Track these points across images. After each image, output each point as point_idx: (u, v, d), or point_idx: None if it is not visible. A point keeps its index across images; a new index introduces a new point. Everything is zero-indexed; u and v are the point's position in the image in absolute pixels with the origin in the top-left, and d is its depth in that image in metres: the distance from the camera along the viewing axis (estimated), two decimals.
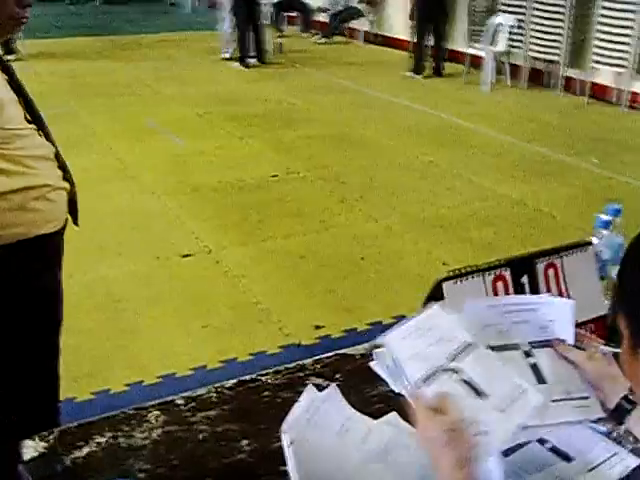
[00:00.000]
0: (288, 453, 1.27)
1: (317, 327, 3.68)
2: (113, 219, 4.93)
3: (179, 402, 1.46)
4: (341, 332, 3.64)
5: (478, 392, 1.25)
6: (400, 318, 3.88)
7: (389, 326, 4.10)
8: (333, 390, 1.38)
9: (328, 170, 6.02)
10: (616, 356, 1.29)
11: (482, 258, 1.61)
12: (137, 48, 11.66)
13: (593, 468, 1.31)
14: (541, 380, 1.31)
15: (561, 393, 1.31)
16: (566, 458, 1.33)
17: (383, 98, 8.66)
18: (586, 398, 1.32)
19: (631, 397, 1.26)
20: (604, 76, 8.59)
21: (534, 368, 1.33)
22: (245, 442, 1.36)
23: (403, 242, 4.74)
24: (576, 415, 1.30)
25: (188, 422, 1.41)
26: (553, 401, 1.29)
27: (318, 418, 1.32)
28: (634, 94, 8.16)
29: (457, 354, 1.32)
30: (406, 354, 1.35)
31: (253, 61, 10.20)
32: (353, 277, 4.21)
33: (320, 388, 1.42)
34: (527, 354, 1.35)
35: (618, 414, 1.27)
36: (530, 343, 1.37)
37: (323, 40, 12.39)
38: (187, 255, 4.40)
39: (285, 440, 1.29)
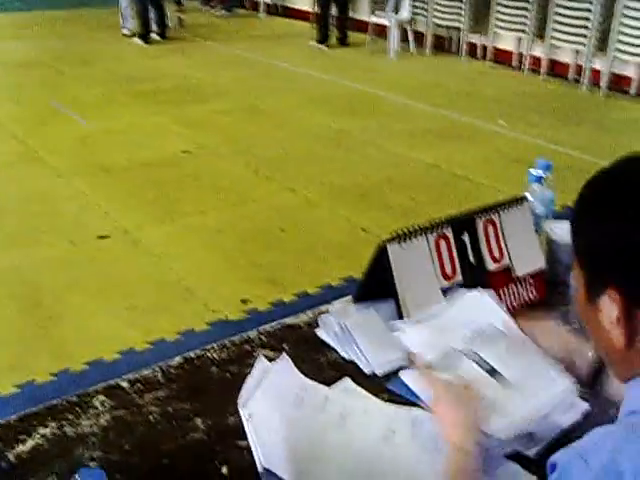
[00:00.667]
0: (248, 427, 1.24)
1: (243, 301, 3.63)
2: (20, 205, 4.74)
3: (124, 385, 1.41)
4: (268, 304, 3.60)
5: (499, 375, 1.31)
6: (325, 287, 3.90)
7: (315, 296, 4.10)
8: (285, 360, 1.35)
9: (241, 143, 5.95)
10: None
11: (401, 223, 1.61)
12: (29, 26, 11.15)
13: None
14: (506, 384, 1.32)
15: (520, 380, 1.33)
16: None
17: (290, 69, 8.60)
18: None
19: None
20: (506, 41, 8.76)
21: (492, 373, 1.34)
22: (199, 420, 1.32)
23: (322, 211, 4.73)
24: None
25: (136, 405, 1.35)
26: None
27: (272, 390, 1.30)
28: (534, 58, 8.34)
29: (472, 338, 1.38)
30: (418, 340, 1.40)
31: (155, 37, 9.95)
32: (275, 249, 4.18)
33: (270, 359, 1.40)
34: (478, 363, 1.36)
35: (594, 381, 1.29)
36: (475, 352, 1.38)
37: (224, 13, 12.19)
38: (103, 237, 4.27)
39: (243, 414, 1.26)
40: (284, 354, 1.38)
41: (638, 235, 0.81)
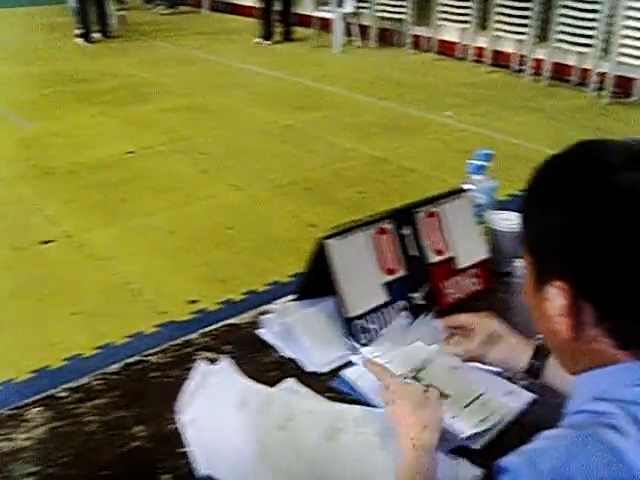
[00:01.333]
0: (186, 433, 1.22)
1: (192, 302, 3.59)
2: None
3: (62, 395, 1.36)
4: (216, 304, 3.56)
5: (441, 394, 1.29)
6: (274, 285, 3.86)
7: (264, 294, 4.05)
8: (226, 363, 1.33)
9: (187, 142, 5.88)
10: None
11: (349, 217, 1.59)
12: None
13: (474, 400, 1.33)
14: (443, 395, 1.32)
15: (468, 397, 1.33)
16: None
17: (236, 66, 8.53)
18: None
19: (539, 344, 1.28)
20: (450, 32, 8.81)
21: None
22: (139, 428, 1.28)
23: (270, 208, 4.70)
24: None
25: (74, 415, 1.31)
26: (465, 406, 1.31)
27: (213, 393, 1.27)
28: (478, 49, 8.41)
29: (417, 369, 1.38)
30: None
31: (97, 36, 9.78)
32: (223, 248, 4.13)
33: (212, 361, 1.37)
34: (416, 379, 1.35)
35: (533, 373, 1.29)
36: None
37: (168, 11, 12.05)
38: (47, 242, 4.17)
39: (182, 420, 1.24)
40: (226, 357, 1.36)
41: (585, 225, 0.79)
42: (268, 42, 9.63)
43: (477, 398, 1.32)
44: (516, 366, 1.31)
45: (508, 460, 0.81)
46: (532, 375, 1.29)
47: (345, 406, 1.31)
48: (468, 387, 1.34)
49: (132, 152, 5.63)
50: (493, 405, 1.30)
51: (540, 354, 1.28)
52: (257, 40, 9.68)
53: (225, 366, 1.32)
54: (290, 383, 1.38)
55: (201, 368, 1.33)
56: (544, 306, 0.87)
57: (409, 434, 1.13)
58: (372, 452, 1.20)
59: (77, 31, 9.70)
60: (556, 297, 0.84)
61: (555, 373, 1.24)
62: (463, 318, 1.38)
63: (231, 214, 4.56)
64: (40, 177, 5.14)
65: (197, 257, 4.02)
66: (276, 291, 3.54)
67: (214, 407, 1.26)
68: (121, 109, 6.78)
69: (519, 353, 1.30)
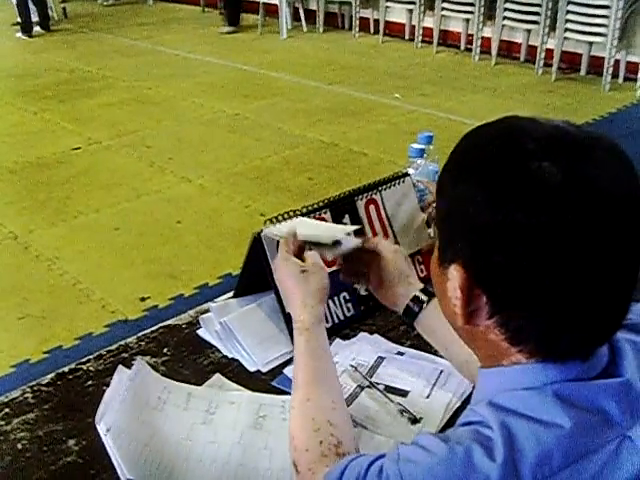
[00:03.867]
0: (107, 442, 1.17)
1: (142, 299, 3.52)
2: None
3: None
4: (168, 300, 3.50)
5: (401, 393, 1.30)
6: (226, 277, 3.78)
7: (216, 287, 3.97)
8: (140, 365, 1.28)
9: (133, 136, 5.76)
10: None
11: (300, 205, 1.54)
12: None
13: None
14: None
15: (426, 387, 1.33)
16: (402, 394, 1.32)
17: (182, 56, 8.39)
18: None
19: (423, 297, 1.23)
20: (397, 14, 8.77)
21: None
22: (72, 442, 1.22)
23: (219, 199, 4.63)
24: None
25: (3, 432, 1.25)
26: (427, 397, 1.30)
27: (131, 398, 1.22)
28: (426, 29, 8.38)
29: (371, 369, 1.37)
30: None
31: (37, 29, 9.54)
32: (173, 242, 4.06)
33: (151, 366, 1.32)
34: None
35: (409, 315, 1.24)
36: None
37: (111, 1, 11.81)
38: None
39: (100, 430, 1.19)
40: (139, 358, 1.31)
41: (491, 210, 0.74)
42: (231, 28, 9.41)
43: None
44: (396, 301, 1.26)
45: (385, 462, 0.80)
46: (408, 319, 1.25)
47: (270, 395, 1.29)
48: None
49: (78, 148, 5.50)
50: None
51: (421, 298, 1.23)
52: (225, 29, 9.47)
53: (140, 369, 1.27)
54: (215, 378, 1.35)
55: (119, 374, 1.28)
56: (446, 286, 0.83)
57: (294, 317, 1.14)
58: None
59: (18, 25, 9.46)
60: (454, 278, 0.80)
61: (431, 325, 1.21)
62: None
63: (179, 207, 4.48)
64: None
65: (146, 253, 3.94)
66: (228, 284, 3.47)
67: (132, 412, 1.21)
68: (65, 104, 6.62)
69: (405, 287, 1.25)
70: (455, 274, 0.80)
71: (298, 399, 1.04)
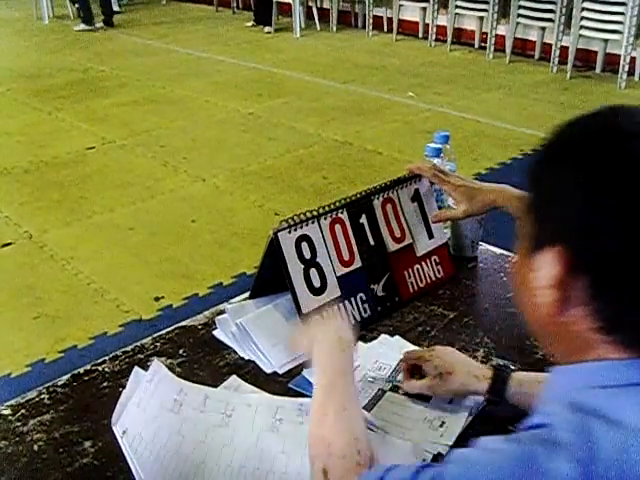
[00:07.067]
0: (123, 445, 1.16)
1: (157, 298, 3.51)
2: None
3: (5, 412, 1.29)
4: (182, 300, 3.49)
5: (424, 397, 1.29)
6: (240, 277, 3.77)
7: (230, 287, 3.96)
8: (157, 367, 1.27)
9: (147, 135, 5.77)
10: None
11: (315, 204, 1.53)
12: None
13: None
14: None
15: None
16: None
17: (195, 55, 8.40)
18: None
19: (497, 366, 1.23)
20: (411, 12, 8.75)
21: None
22: (88, 444, 1.21)
23: (233, 199, 4.62)
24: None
25: (19, 433, 1.24)
26: (450, 402, 1.28)
27: (147, 400, 1.21)
28: (440, 27, 8.35)
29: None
30: None
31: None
32: (187, 242, 4.06)
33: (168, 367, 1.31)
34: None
35: (495, 397, 1.23)
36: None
37: (124, 1, 11.82)
38: (7, 244, 4.07)
39: (117, 432, 1.18)
40: (156, 360, 1.30)
41: (595, 191, 0.74)
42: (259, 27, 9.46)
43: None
44: (476, 392, 1.24)
45: (448, 469, 0.75)
46: (494, 400, 1.23)
47: (287, 398, 1.28)
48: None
49: (92, 148, 5.52)
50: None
51: (500, 377, 1.22)
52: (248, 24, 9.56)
53: (157, 370, 1.26)
54: (231, 380, 1.34)
55: (136, 376, 1.27)
56: (530, 277, 0.81)
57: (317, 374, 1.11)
58: None
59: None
60: (548, 266, 0.77)
61: (519, 392, 1.20)
62: (418, 354, 1.32)
63: (194, 206, 4.48)
64: None
65: (160, 252, 3.94)
66: (243, 283, 3.47)
67: (149, 414, 1.20)
68: (79, 104, 6.63)
69: (478, 379, 1.23)
70: (549, 261, 0.78)
71: (334, 407, 1.02)
